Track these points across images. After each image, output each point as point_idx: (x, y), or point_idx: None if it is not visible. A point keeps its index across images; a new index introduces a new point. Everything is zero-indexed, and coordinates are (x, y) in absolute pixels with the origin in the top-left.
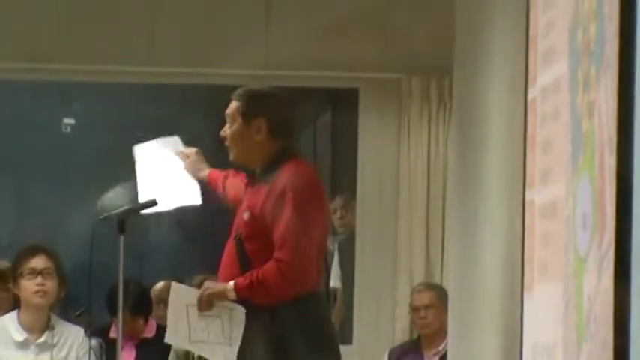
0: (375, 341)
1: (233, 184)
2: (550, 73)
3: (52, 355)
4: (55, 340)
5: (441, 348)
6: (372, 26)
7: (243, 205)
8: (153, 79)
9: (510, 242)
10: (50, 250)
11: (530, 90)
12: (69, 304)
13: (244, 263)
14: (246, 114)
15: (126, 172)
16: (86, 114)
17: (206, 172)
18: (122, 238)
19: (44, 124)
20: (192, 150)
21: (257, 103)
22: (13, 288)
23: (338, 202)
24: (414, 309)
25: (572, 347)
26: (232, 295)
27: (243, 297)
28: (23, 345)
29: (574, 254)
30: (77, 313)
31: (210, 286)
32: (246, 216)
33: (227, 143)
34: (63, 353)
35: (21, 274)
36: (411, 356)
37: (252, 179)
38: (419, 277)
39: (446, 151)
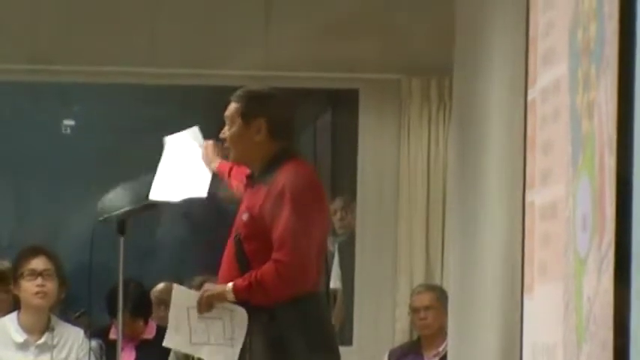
0: (375, 342)
1: (236, 174)
2: (550, 73)
3: (52, 356)
4: (54, 342)
5: (440, 349)
6: (372, 27)
7: (243, 206)
8: (153, 80)
9: (510, 243)
10: (50, 252)
11: (530, 91)
12: (69, 306)
13: (244, 264)
14: (246, 115)
15: (126, 173)
16: (86, 115)
17: (216, 163)
18: (122, 240)
19: (44, 125)
20: (209, 141)
21: (256, 104)
22: (13, 289)
23: (338, 203)
24: (413, 310)
25: (572, 348)
26: (231, 296)
27: (242, 298)
28: (23, 346)
29: (574, 255)
30: (77, 314)
31: (210, 287)
32: (245, 217)
33: (227, 145)
34: (63, 355)
35: (21, 275)
36: (411, 357)
37: (252, 180)
38: (419, 278)
39: (446, 152)
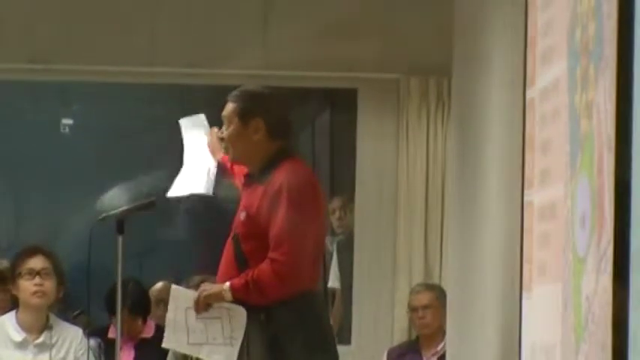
0: (374, 342)
1: (239, 168)
2: (549, 73)
3: (50, 355)
4: (53, 341)
5: (439, 348)
6: (371, 27)
7: (240, 206)
8: (152, 80)
9: (509, 243)
10: (48, 251)
11: (529, 90)
12: (68, 305)
13: (241, 263)
14: (244, 114)
15: (125, 172)
16: (85, 115)
17: (221, 153)
18: (120, 239)
19: (43, 124)
20: (215, 130)
21: (254, 103)
22: (12, 289)
23: (336, 202)
24: (412, 309)
25: (570, 347)
26: (228, 295)
27: (239, 297)
28: (22, 345)
29: (573, 255)
30: (76, 313)
31: (207, 287)
32: (242, 216)
33: (225, 145)
34: (61, 354)
35: (19, 275)
36: (410, 357)
37: (249, 179)
38: (417, 278)
39: (444, 151)
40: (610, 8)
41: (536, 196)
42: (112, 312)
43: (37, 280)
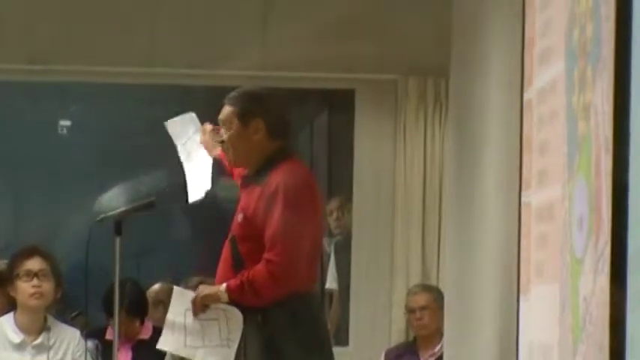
0: (371, 343)
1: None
2: (546, 74)
3: (48, 356)
4: (51, 342)
5: (436, 350)
6: (369, 27)
7: (238, 207)
8: (150, 80)
9: (507, 244)
10: (46, 252)
11: (526, 91)
12: (66, 306)
13: (238, 265)
14: (244, 116)
15: (123, 173)
16: (83, 115)
17: (218, 150)
18: (118, 240)
19: (41, 125)
20: (209, 126)
21: (253, 104)
22: (10, 290)
23: (334, 203)
24: (410, 311)
25: (568, 348)
26: (225, 297)
27: (234, 298)
28: (20, 347)
29: (570, 256)
30: (73, 314)
31: (204, 289)
32: (240, 218)
33: (224, 148)
34: (59, 355)
35: (17, 276)
36: (407, 358)
37: (247, 180)
38: (415, 279)
39: (442, 152)
40: (608, 10)
41: (534, 198)
42: (109, 313)
43: (35, 281)
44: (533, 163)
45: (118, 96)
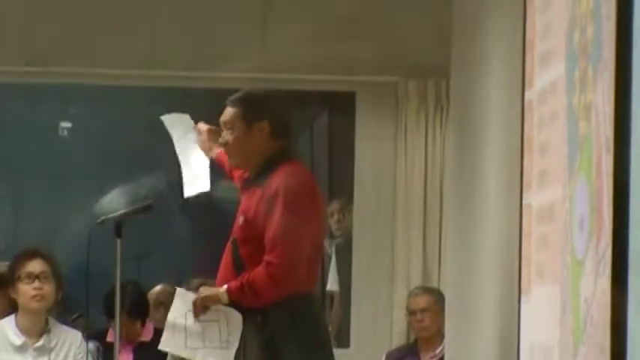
0: (372, 345)
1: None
2: (547, 75)
3: (49, 358)
4: (52, 344)
5: (438, 351)
6: (369, 29)
7: (239, 210)
8: (150, 82)
9: (508, 245)
10: (46, 254)
11: (527, 92)
12: (66, 308)
13: (239, 268)
14: (248, 118)
15: (123, 175)
16: (83, 117)
17: (216, 150)
18: (119, 242)
19: (41, 127)
20: (205, 126)
21: (258, 107)
22: (11, 292)
23: (335, 205)
24: (411, 312)
25: (568, 350)
26: (225, 298)
27: (235, 300)
28: (21, 349)
29: (571, 257)
30: (74, 316)
31: (205, 290)
32: (241, 220)
33: (227, 150)
34: (60, 357)
35: (18, 278)
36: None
37: (248, 183)
38: (416, 281)
39: (443, 154)
40: (609, 10)
41: (535, 199)
42: (110, 315)
43: (36, 283)
44: (533, 163)
45: (118, 97)
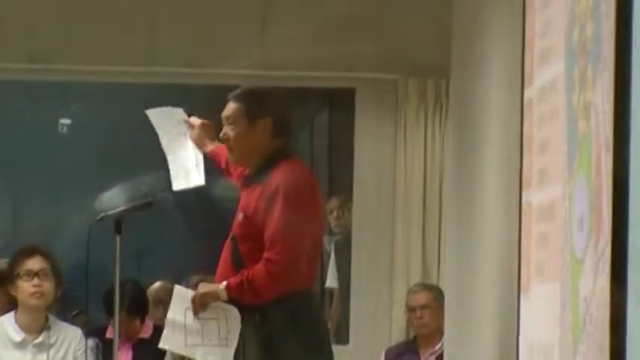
0: (372, 341)
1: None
2: (547, 73)
3: (49, 355)
4: (52, 341)
5: (437, 348)
6: (369, 27)
7: (239, 207)
8: (150, 80)
9: (507, 243)
10: (46, 251)
11: (527, 91)
12: (66, 305)
13: (239, 264)
14: (251, 114)
15: (123, 172)
16: (83, 114)
17: (212, 145)
18: (119, 239)
19: (41, 124)
20: (198, 120)
21: (262, 103)
22: (10, 289)
23: (334, 202)
24: (410, 309)
25: (568, 348)
26: (224, 295)
27: (234, 297)
28: (21, 345)
29: (571, 255)
30: (74, 313)
31: (204, 287)
32: (240, 217)
33: (228, 146)
34: (60, 354)
35: (17, 276)
36: (408, 356)
37: (248, 180)
38: (415, 278)
39: (442, 152)
40: (608, 8)
41: (534, 197)
42: (110, 312)
43: (36, 281)
44: (533, 162)
45: (118, 95)
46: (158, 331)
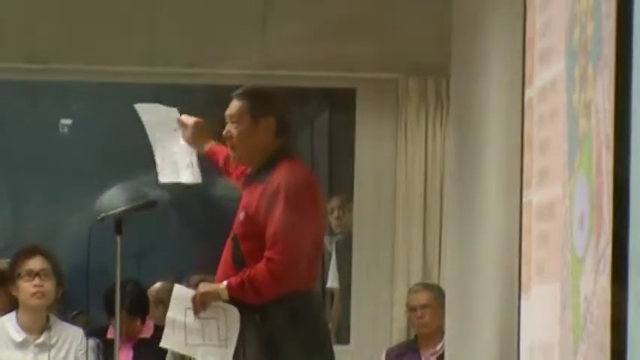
0: (373, 341)
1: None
2: (547, 72)
3: (50, 355)
4: (53, 341)
5: (438, 348)
6: (370, 27)
7: (240, 206)
8: (151, 80)
9: (508, 243)
10: (47, 251)
11: (527, 90)
12: (67, 305)
13: (240, 264)
14: (255, 113)
15: (123, 172)
16: (83, 114)
17: (208, 145)
18: (119, 239)
19: (42, 124)
20: (191, 119)
21: (266, 102)
22: (11, 289)
23: (335, 202)
24: (411, 309)
25: (568, 348)
26: (225, 294)
27: (235, 296)
28: (22, 345)
29: (571, 255)
30: (75, 313)
31: (204, 286)
32: (241, 216)
33: (231, 144)
34: (61, 354)
35: (18, 276)
36: (409, 356)
37: (249, 179)
38: (416, 278)
39: (443, 152)
40: (609, 8)
41: (535, 196)
42: (110, 312)
43: (37, 281)
44: (534, 161)
45: (118, 95)
46: (159, 331)
